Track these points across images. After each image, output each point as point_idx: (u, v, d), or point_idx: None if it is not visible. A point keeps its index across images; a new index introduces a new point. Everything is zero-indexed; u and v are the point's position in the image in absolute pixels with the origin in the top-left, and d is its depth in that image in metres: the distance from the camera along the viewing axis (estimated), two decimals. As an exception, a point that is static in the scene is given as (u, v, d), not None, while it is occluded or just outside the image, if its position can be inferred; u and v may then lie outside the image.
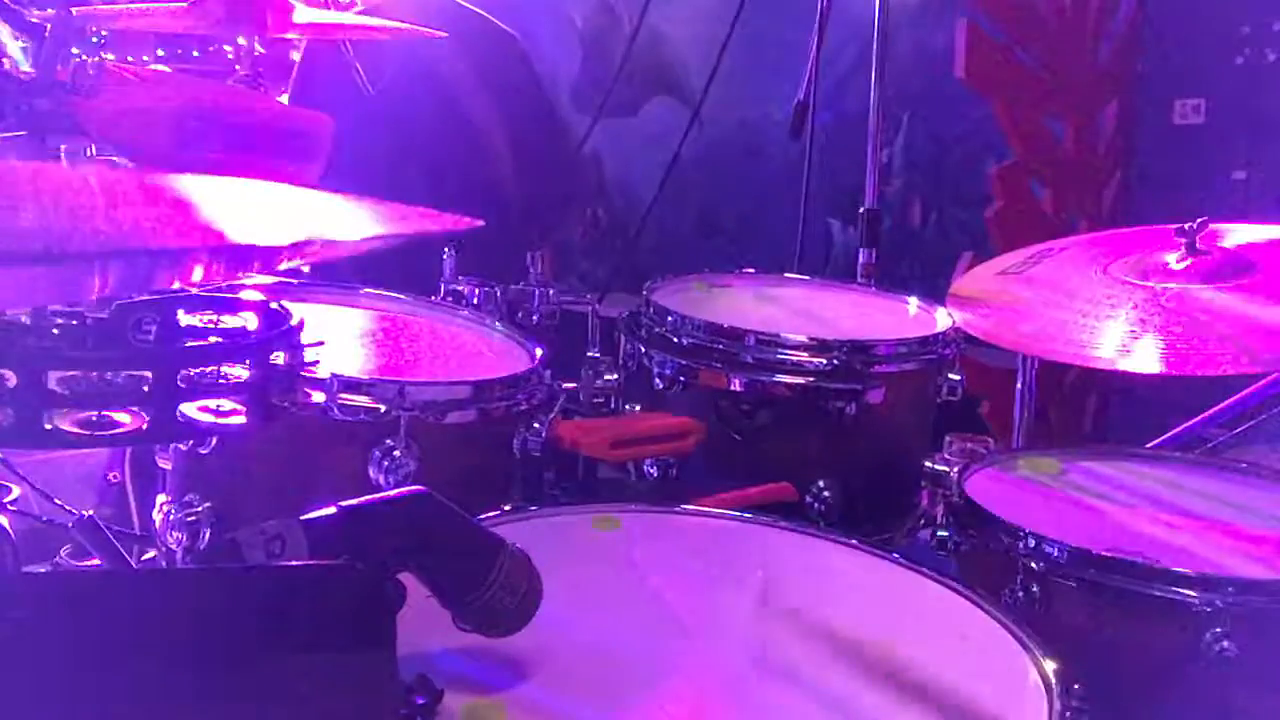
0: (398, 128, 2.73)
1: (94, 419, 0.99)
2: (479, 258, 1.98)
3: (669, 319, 1.87)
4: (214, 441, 1.13)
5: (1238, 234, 1.84)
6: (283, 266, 0.87)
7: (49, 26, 1.49)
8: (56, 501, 1.71)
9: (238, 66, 2.07)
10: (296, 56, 2.85)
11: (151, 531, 1.46)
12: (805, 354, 1.78)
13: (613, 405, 1.90)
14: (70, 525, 1.49)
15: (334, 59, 2.67)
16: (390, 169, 2.56)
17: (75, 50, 1.54)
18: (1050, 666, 1.09)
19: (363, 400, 1.49)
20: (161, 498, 1.52)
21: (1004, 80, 3.24)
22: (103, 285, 0.81)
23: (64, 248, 0.74)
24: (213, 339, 1.13)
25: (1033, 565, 1.39)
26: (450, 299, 1.97)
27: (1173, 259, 1.77)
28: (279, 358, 1.09)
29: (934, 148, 4.12)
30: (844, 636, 1.15)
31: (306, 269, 1.78)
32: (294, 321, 1.15)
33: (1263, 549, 1.45)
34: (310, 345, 1.14)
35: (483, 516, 1.27)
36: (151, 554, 1.62)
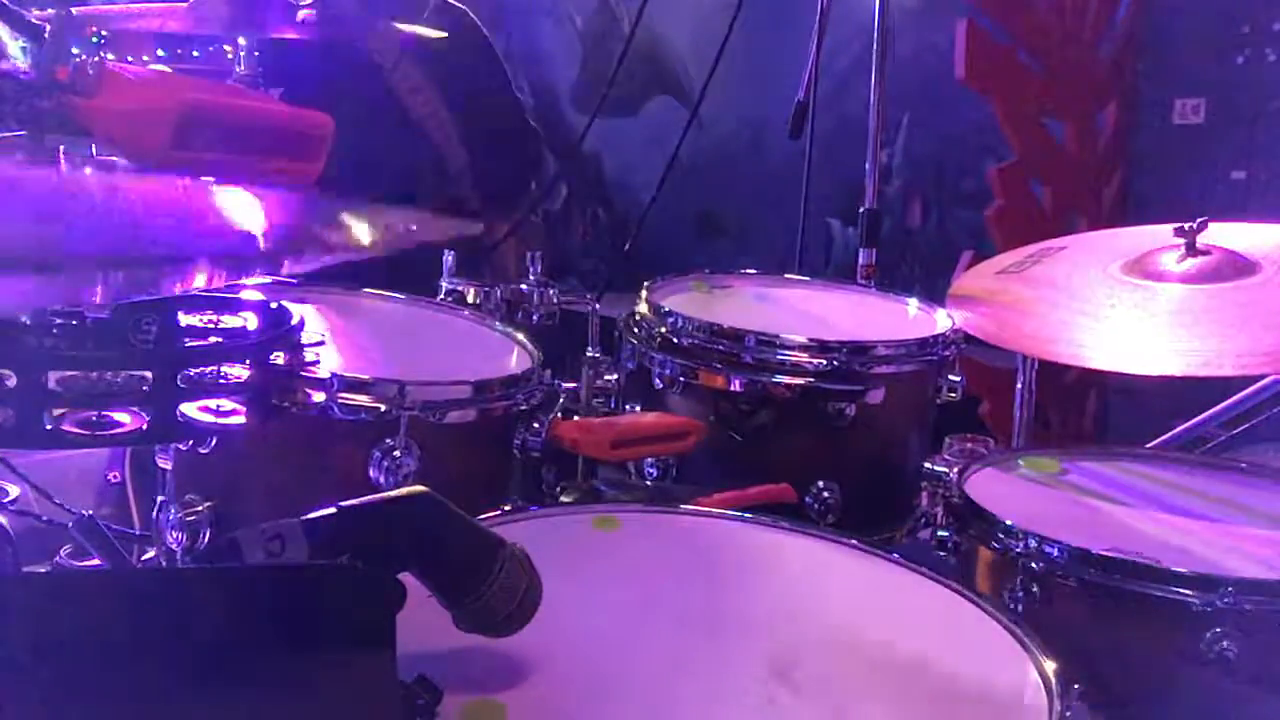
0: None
1: (94, 419, 0.99)
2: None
3: (669, 319, 1.87)
4: (214, 441, 1.13)
5: (1238, 234, 1.84)
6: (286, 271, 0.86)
7: (49, 26, 1.49)
8: (56, 501, 1.70)
9: (238, 67, 2.06)
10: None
11: (151, 531, 1.46)
12: (805, 355, 1.78)
13: (613, 405, 1.91)
14: (70, 525, 1.49)
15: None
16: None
17: (75, 50, 1.53)
18: (1050, 666, 1.09)
19: (363, 400, 1.49)
20: (161, 498, 1.52)
21: (1004, 80, 3.24)
22: (104, 293, 0.81)
23: (62, 255, 0.74)
24: (213, 339, 1.13)
25: (1033, 565, 1.39)
26: (450, 299, 1.97)
27: (1173, 259, 1.78)
28: (279, 358, 1.09)
29: (934, 148, 4.13)
30: (844, 637, 1.15)
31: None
32: (294, 321, 1.15)
33: (1263, 549, 1.44)
34: (310, 345, 1.14)
35: (483, 516, 1.27)
36: (151, 554, 1.61)
